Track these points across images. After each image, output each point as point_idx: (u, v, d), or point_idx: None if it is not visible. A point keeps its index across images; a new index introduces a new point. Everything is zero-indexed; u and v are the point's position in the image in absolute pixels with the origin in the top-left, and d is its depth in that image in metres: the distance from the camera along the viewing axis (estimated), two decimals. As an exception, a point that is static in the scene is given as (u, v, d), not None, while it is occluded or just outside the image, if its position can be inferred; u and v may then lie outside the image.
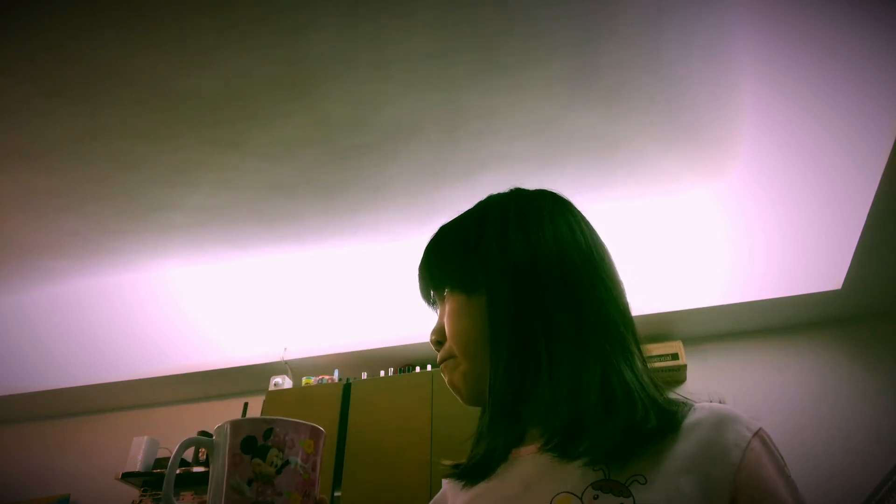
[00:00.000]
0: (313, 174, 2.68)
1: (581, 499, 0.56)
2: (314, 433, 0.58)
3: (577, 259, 0.67)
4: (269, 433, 0.55)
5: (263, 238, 3.09)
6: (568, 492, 0.57)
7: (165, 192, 2.76)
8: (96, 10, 1.96)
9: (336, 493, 3.00)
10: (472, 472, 0.68)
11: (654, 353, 3.22)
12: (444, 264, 0.72)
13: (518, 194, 0.74)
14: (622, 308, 0.68)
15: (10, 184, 2.70)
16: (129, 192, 2.75)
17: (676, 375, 3.30)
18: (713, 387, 3.26)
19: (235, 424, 0.57)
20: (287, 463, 0.55)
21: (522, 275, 0.66)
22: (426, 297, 0.76)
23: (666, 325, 3.34)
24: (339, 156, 2.59)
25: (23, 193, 2.76)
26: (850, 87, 2.23)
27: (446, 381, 0.72)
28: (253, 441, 0.55)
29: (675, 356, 3.22)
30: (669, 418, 0.59)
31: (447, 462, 0.72)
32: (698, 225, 2.94)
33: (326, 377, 3.51)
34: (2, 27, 2.02)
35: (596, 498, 0.55)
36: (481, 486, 0.67)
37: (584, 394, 0.61)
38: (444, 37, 2.09)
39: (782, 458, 0.59)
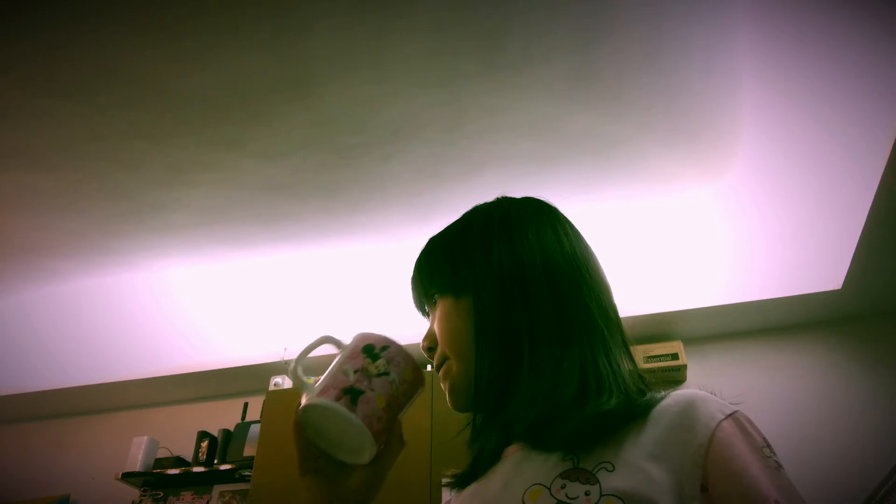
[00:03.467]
0: (313, 174, 2.68)
1: (549, 489, 0.56)
2: (416, 376, 0.68)
3: (562, 261, 0.68)
4: (385, 348, 0.67)
5: (263, 238, 3.09)
6: (538, 483, 0.58)
7: (165, 192, 2.76)
8: (96, 9, 1.96)
9: (336, 493, 3.00)
10: (465, 477, 0.70)
11: (654, 353, 3.21)
12: (433, 271, 0.74)
13: (503, 202, 0.77)
14: (605, 306, 0.69)
15: (10, 184, 2.70)
16: (130, 192, 2.75)
17: (676, 375, 3.30)
18: (713, 387, 3.25)
19: (365, 334, 0.69)
20: (387, 374, 0.66)
21: (507, 277, 0.67)
22: (419, 306, 0.79)
23: (666, 325, 3.33)
24: (339, 156, 2.59)
25: (23, 193, 2.76)
26: (850, 87, 2.23)
27: (443, 386, 0.74)
28: (372, 347, 0.68)
29: (675, 356, 3.22)
30: (633, 403, 0.59)
31: (447, 473, 0.73)
32: (698, 225, 2.94)
33: (326, 377, 3.50)
34: (2, 27, 2.02)
35: (563, 487, 0.55)
36: (472, 487, 0.68)
37: (563, 387, 0.62)
38: (444, 37, 2.09)
39: (765, 439, 0.57)
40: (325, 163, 2.62)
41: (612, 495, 0.52)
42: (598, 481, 0.54)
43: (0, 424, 4.48)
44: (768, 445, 0.56)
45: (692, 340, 3.41)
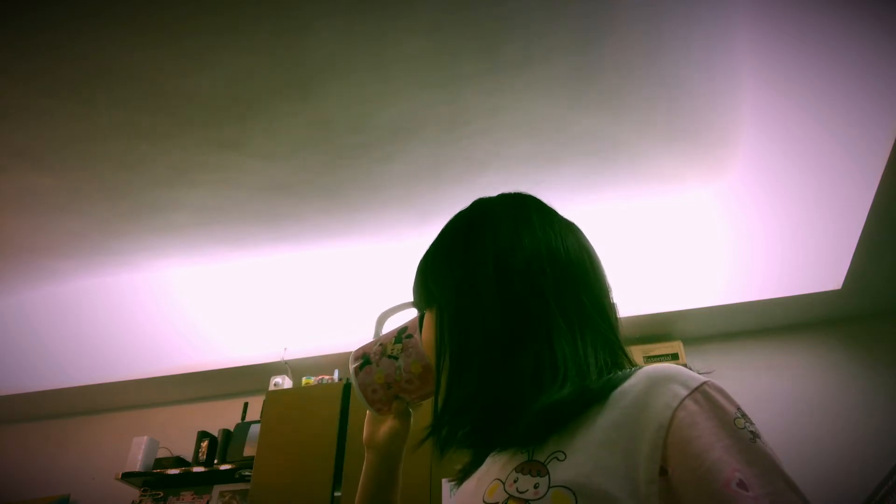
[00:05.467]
0: (313, 174, 2.68)
1: (504, 483, 0.56)
2: (424, 374, 0.73)
3: (520, 258, 0.67)
4: (409, 337, 0.75)
5: (263, 238, 3.09)
6: (497, 478, 0.58)
7: (166, 192, 2.76)
8: (96, 9, 1.96)
9: (336, 494, 3.01)
10: (462, 475, 0.71)
11: (654, 353, 3.21)
12: (416, 291, 0.77)
13: (474, 206, 0.77)
14: (571, 297, 0.66)
15: (10, 184, 2.70)
16: (130, 192, 2.75)
17: (676, 375, 3.29)
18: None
19: (412, 320, 0.77)
20: (395, 358, 0.74)
21: (461, 285, 0.68)
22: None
23: (666, 325, 3.33)
24: (339, 156, 2.59)
25: (23, 193, 2.76)
26: (850, 87, 2.23)
27: None
28: (403, 331, 0.76)
29: (675, 356, 3.22)
30: (586, 388, 0.58)
31: (455, 468, 0.74)
32: (698, 225, 2.94)
33: (326, 377, 3.51)
34: (2, 27, 2.02)
35: (515, 481, 0.55)
36: (463, 485, 0.69)
37: (513, 382, 0.62)
38: (444, 37, 2.09)
39: (738, 409, 0.53)
40: (325, 163, 2.62)
41: (561, 487, 0.52)
42: (548, 472, 0.53)
43: (0, 424, 4.48)
44: (742, 416, 0.53)
45: (692, 340, 3.40)
